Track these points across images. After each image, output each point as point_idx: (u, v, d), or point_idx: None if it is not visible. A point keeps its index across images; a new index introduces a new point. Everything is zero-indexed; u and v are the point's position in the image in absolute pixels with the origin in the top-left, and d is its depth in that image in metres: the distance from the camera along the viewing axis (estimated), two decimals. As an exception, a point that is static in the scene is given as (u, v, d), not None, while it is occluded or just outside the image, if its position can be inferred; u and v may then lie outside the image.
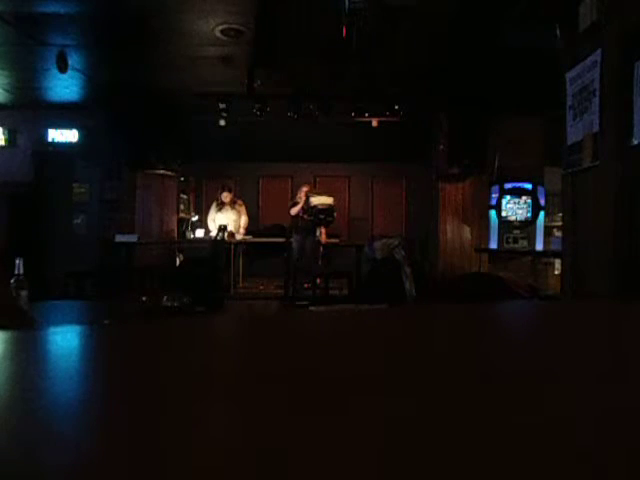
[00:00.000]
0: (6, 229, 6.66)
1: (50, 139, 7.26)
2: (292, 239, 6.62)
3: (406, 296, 2.98)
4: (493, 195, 6.76)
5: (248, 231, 7.43)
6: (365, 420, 0.29)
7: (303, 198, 6.57)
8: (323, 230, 6.70)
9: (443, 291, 3.28)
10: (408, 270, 2.99)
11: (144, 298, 3.47)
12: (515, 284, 4.63)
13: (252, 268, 7.86)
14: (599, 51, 2.93)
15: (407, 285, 2.97)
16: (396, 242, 3.23)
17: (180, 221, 8.41)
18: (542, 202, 6.69)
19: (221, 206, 7.25)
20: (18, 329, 0.76)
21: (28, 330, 0.74)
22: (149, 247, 7.44)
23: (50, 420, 0.29)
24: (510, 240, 6.65)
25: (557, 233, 6.14)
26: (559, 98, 3.44)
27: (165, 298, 3.40)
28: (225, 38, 4.90)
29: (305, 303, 5.90)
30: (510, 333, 0.62)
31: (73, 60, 5.26)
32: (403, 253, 3.13)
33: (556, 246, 4.68)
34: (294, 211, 6.60)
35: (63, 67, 5.18)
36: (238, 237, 7.10)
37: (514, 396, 0.34)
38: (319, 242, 6.63)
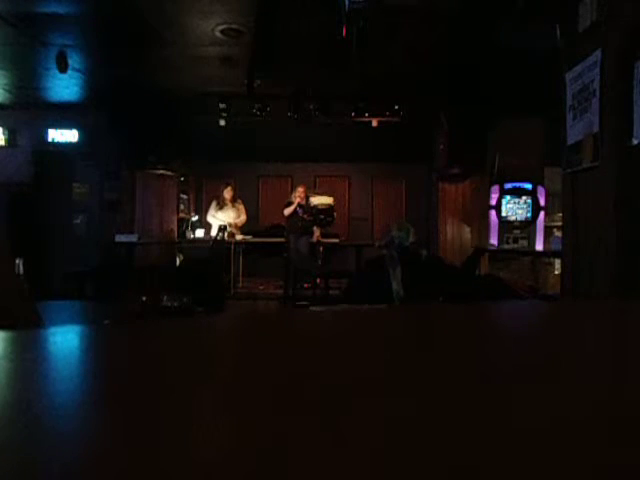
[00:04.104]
0: (6, 229, 6.65)
1: (50, 139, 7.27)
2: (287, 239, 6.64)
3: (393, 298, 2.94)
4: (493, 195, 6.76)
5: (247, 231, 7.43)
6: (365, 420, 0.29)
7: (297, 199, 6.57)
8: (317, 230, 6.68)
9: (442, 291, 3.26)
10: (398, 270, 2.96)
11: (144, 298, 3.47)
12: (515, 284, 4.63)
13: (252, 268, 7.86)
14: (599, 51, 2.93)
15: (394, 285, 2.94)
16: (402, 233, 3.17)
17: (180, 221, 8.40)
18: (542, 202, 6.69)
19: (222, 204, 7.25)
20: (24, 327, 0.76)
21: (31, 329, 0.74)
22: (149, 247, 7.45)
23: (50, 420, 0.29)
24: (510, 240, 6.65)
25: (557, 233, 6.14)
26: (559, 98, 3.44)
27: (165, 298, 3.40)
28: (225, 38, 4.91)
29: (305, 303, 5.90)
30: (510, 333, 0.62)
31: (73, 60, 5.27)
32: (395, 252, 3.09)
33: (556, 246, 4.68)
34: (288, 211, 6.60)
35: (63, 67, 5.18)
36: (238, 237, 7.10)
37: (514, 396, 0.34)
38: (313, 242, 6.63)
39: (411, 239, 3.13)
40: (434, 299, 2.90)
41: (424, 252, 3.49)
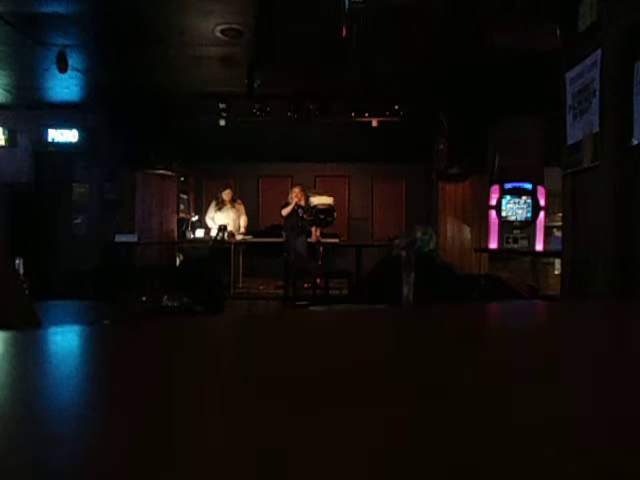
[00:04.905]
0: (6, 229, 6.66)
1: (50, 139, 7.26)
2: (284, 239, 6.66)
3: (402, 300, 2.90)
4: (493, 195, 6.76)
5: (248, 231, 7.43)
6: (365, 420, 0.29)
7: (295, 199, 6.57)
8: (315, 230, 6.68)
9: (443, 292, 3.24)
10: (412, 275, 2.88)
11: (144, 298, 3.47)
12: (515, 284, 4.61)
13: (252, 268, 7.86)
14: (599, 51, 2.93)
15: (405, 290, 2.89)
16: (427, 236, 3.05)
17: (180, 221, 8.41)
18: (542, 202, 6.69)
19: (221, 205, 7.25)
20: (23, 328, 0.77)
21: (30, 329, 0.74)
22: (149, 247, 7.45)
23: (50, 420, 0.29)
24: (510, 240, 6.65)
25: (557, 233, 6.14)
26: (559, 98, 3.44)
27: (165, 298, 3.40)
28: (225, 38, 4.90)
29: (305, 303, 5.90)
30: (510, 333, 0.62)
31: (73, 60, 5.26)
32: (412, 254, 2.99)
33: (556, 246, 4.67)
34: (285, 212, 6.61)
35: (63, 67, 5.18)
36: (238, 237, 7.10)
37: (514, 396, 0.34)
38: (311, 242, 6.62)
39: (431, 246, 3.04)
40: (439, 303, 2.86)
41: (439, 260, 3.39)
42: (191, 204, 9.06)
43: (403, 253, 2.96)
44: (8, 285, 0.86)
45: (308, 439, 0.26)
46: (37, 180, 7.12)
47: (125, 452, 0.24)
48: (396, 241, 3.10)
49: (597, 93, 2.96)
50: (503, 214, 6.71)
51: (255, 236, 7.48)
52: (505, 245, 6.64)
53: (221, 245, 6.66)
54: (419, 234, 3.00)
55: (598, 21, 2.98)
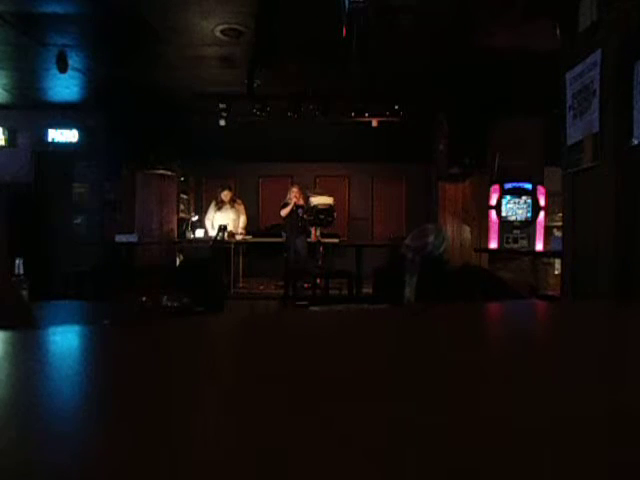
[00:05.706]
0: (6, 229, 6.66)
1: (50, 139, 7.26)
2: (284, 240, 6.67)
3: (403, 301, 2.85)
4: (493, 195, 6.76)
5: (248, 231, 7.43)
6: (365, 420, 0.29)
7: (294, 199, 6.57)
8: (314, 230, 6.68)
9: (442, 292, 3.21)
10: (415, 277, 2.81)
11: (144, 298, 3.46)
12: (515, 284, 4.59)
13: (252, 268, 7.85)
14: (599, 51, 2.93)
15: (407, 292, 2.83)
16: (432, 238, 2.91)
17: (180, 221, 8.40)
18: (542, 202, 6.69)
19: (220, 205, 7.25)
20: (20, 328, 0.77)
21: (29, 329, 0.74)
22: (149, 247, 7.45)
23: (50, 421, 0.29)
24: (510, 240, 6.65)
25: (557, 233, 6.14)
26: (559, 98, 3.43)
27: (165, 298, 3.39)
28: (225, 38, 4.91)
29: (305, 303, 5.90)
30: (510, 333, 0.62)
31: (73, 60, 5.27)
32: (416, 256, 2.88)
33: (556, 246, 4.67)
34: (284, 212, 6.61)
35: (63, 67, 5.18)
36: (238, 237, 7.10)
37: (514, 397, 0.34)
38: (311, 242, 6.62)
39: (442, 249, 2.93)
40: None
41: (447, 264, 3.22)
42: (191, 204, 9.06)
43: (409, 254, 2.85)
44: (6, 286, 0.86)
45: (308, 439, 0.26)
46: (37, 180, 7.12)
47: (125, 452, 0.24)
48: (407, 240, 2.99)
49: (597, 93, 2.96)
50: (503, 214, 6.71)
51: (255, 236, 7.48)
52: (505, 245, 6.64)
53: (221, 245, 6.66)
54: (431, 238, 2.86)
55: (598, 21, 2.98)
